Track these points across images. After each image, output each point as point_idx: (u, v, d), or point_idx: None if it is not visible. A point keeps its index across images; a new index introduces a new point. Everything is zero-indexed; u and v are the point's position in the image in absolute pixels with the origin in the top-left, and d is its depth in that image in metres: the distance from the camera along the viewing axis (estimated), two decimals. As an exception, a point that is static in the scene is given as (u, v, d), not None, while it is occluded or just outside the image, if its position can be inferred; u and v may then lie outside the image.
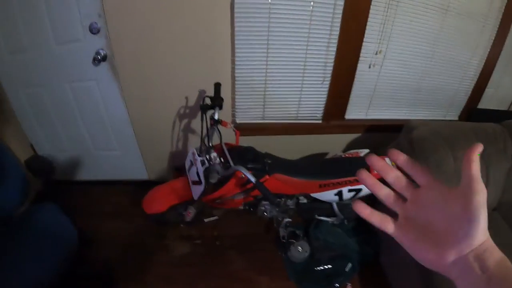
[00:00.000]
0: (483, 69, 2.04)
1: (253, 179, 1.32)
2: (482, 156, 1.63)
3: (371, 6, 1.66)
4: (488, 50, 1.97)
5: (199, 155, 1.57)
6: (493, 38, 1.93)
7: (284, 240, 1.83)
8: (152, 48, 1.70)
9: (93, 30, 1.65)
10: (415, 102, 2.10)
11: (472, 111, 2.18)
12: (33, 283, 1.21)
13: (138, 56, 1.73)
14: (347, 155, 1.77)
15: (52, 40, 1.70)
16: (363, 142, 2.12)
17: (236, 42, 1.69)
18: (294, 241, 1.83)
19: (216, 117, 1.49)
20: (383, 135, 2.05)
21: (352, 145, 2.16)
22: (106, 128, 2.03)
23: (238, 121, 2.01)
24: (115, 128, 2.04)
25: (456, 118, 2.23)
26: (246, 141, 1.77)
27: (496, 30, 1.90)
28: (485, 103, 2.21)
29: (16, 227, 1.41)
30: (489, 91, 2.15)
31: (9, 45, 1.73)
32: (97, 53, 1.71)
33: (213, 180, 1.52)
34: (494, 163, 1.67)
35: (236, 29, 1.65)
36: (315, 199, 1.73)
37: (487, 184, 1.67)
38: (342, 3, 1.63)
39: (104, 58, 1.73)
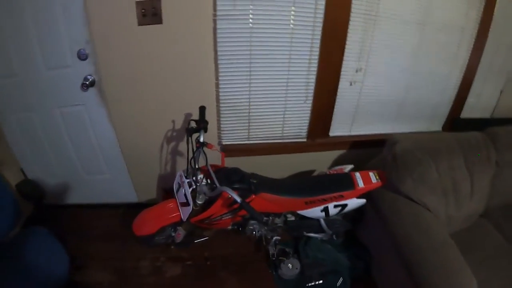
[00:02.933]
0: (463, 79, 2.12)
1: (238, 199, 1.36)
2: (466, 165, 1.71)
3: (349, 26, 1.74)
4: (467, 60, 2.06)
5: (186, 177, 1.62)
6: (471, 48, 2.02)
7: (273, 258, 1.87)
8: (139, 74, 1.77)
9: (82, 57, 1.72)
10: (399, 116, 2.17)
11: (455, 121, 2.26)
12: None
13: (126, 81, 1.79)
14: (332, 172, 1.83)
15: (42, 66, 1.76)
16: (349, 158, 2.16)
17: (219, 66, 1.77)
18: (284, 258, 1.86)
19: (201, 139, 1.55)
20: (368, 150, 2.10)
21: (338, 162, 2.22)
22: (96, 151, 2.08)
23: (224, 142, 2.06)
24: (104, 151, 2.08)
25: (440, 129, 2.31)
26: (233, 162, 1.82)
27: (473, 40, 1.99)
28: (468, 112, 2.28)
29: (6, 253, 1.43)
30: (471, 100, 2.23)
31: (0, 70, 1.79)
32: (85, 79, 1.77)
33: (200, 201, 1.57)
34: (478, 171, 1.75)
35: (218, 53, 1.72)
36: (303, 216, 1.78)
37: (472, 192, 1.73)
38: (320, 25, 1.71)
39: (92, 84, 1.80)
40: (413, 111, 2.17)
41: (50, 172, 2.16)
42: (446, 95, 2.17)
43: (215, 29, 1.65)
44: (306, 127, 2.09)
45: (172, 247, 2.00)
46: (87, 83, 1.77)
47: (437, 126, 2.31)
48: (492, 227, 1.81)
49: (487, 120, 2.32)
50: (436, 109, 2.21)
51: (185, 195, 1.58)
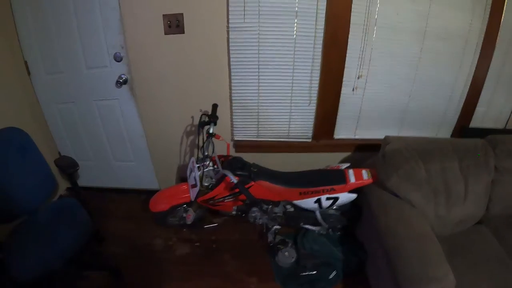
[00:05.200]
0: (470, 88, 2.35)
1: (234, 180, 1.78)
2: (460, 168, 1.95)
3: (349, 36, 2.10)
4: (474, 69, 2.28)
5: (197, 163, 2.06)
6: (478, 57, 2.24)
7: (271, 244, 2.22)
8: (164, 75, 2.28)
9: (117, 59, 2.25)
10: (403, 122, 2.46)
11: (464, 130, 2.48)
12: (57, 252, 1.67)
13: (153, 81, 2.30)
14: (328, 168, 2.17)
15: (83, 65, 2.32)
16: (353, 160, 2.44)
17: (232, 70, 2.22)
18: (282, 247, 2.19)
19: (211, 131, 2.00)
20: (372, 153, 2.34)
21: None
22: (125, 141, 2.61)
23: (236, 138, 2.50)
24: (132, 141, 2.61)
25: (448, 137, 2.53)
26: (243, 157, 2.20)
27: (479, 50, 2.21)
28: (478, 122, 2.50)
29: (42, 211, 1.91)
30: (480, 110, 2.45)
31: (47, 67, 2.37)
32: (120, 77, 2.30)
33: (206, 183, 2.01)
34: (473, 175, 1.94)
35: (231, 60, 2.18)
36: (302, 208, 2.13)
37: (465, 195, 1.93)
38: (321, 35, 2.09)
39: (125, 82, 2.32)
40: (418, 118, 2.45)
41: (84, 157, 2.70)
42: (452, 103, 2.41)
43: (228, 39, 2.11)
44: (311, 129, 2.46)
45: (184, 229, 2.45)
46: (121, 81, 2.30)
47: (445, 134, 2.54)
48: (491, 235, 1.96)
49: (500, 131, 2.48)
50: (443, 117, 2.46)
51: (194, 177, 2.01)
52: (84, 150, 2.70)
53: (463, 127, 2.50)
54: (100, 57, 2.27)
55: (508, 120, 2.52)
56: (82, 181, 2.79)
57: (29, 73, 2.38)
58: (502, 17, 2.13)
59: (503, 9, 2.11)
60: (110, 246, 2.38)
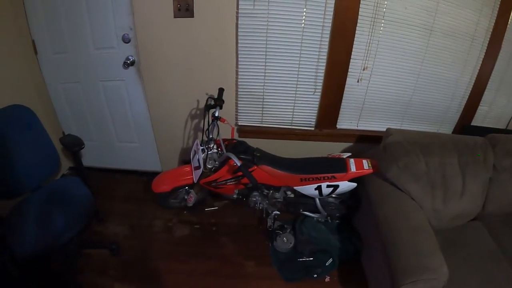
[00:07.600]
0: (474, 87, 2.43)
1: (238, 162, 1.85)
2: (459, 164, 2.03)
3: (357, 28, 2.16)
4: (478, 68, 2.36)
5: (201, 145, 2.14)
6: (483, 57, 2.32)
7: (270, 229, 2.30)
8: (171, 59, 2.34)
9: (125, 40, 2.31)
10: (406, 116, 2.54)
11: (465, 128, 2.56)
12: (59, 230, 1.71)
13: (160, 64, 2.36)
14: (329, 156, 2.25)
15: (91, 45, 2.38)
16: (355, 151, 2.52)
17: (239, 56, 2.29)
18: (280, 232, 2.28)
19: (216, 114, 2.07)
20: (373, 145, 2.45)
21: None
22: (129, 122, 2.68)
23: (240, 123, 2.58)
24: (137, 123, 2.68)
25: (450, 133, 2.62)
26: (247, 142, 2.27)
27: (485, 49, 2.29)
28: (480, 121, 2.58)
29: (45, 189, 1.96)
30: (482, 109, 2.54)
31: (54, 47, 2.42)
32: (127, 58, 2.36)
33: (209, 166, 2.08)
34: (471, 172, 2.01)
35: (239, 45, 2.25)
36: (302, 195, 2.21)
37: (463, 191, 2.00)
38: (329, 26, 2.16)
39: (132, 63, 2.38)
40: (421, 113, 2.53)
41: (87, 137, 2.75)
42: (455, 101, 2.50)
43: (237, 24, 2.17)
44: (314, 117, 2.54)
45: (185, 212, 2.54)
46: (128, 62, 2.36)
47: (447, 130, 2.63)
48: (486, 232, 2.03)
49: (501, 130, 2.54)
50: (446, 113, 2.55)
51: (198, 159, 2.09)
52: (88, 130, 2.78)
53: (464, 125, 2.57)
54: (108, 38, 2.33)
55: (510, 120, 2.61)
56: (85, 161, 2.80)
57: (36, 52, 2.44)
58: (510, 18, 2.20)
59: (511, 10, 2.17)
60: (110, 225, 2.46)
